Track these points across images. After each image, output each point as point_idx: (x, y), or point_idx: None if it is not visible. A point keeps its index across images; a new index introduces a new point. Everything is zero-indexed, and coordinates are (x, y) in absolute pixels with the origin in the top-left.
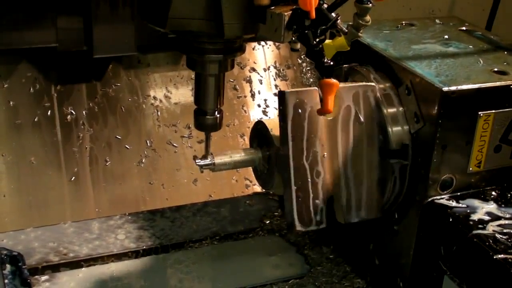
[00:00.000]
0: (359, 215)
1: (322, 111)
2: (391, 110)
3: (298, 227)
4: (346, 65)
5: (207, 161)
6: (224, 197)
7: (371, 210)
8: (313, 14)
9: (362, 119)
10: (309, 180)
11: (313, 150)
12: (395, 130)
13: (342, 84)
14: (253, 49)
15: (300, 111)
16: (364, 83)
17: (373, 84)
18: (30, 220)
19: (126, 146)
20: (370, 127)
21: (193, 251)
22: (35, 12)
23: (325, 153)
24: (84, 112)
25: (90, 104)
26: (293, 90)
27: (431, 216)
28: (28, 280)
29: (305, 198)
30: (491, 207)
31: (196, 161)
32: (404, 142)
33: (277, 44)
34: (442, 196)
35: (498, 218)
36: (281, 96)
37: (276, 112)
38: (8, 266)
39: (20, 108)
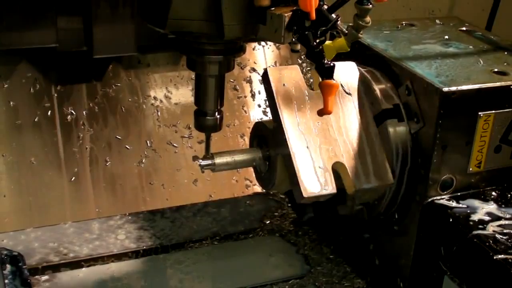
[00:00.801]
0: (369, 182)
1: (323, 112)
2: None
3: (306, 193)
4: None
5: (208, 161)
6: (224, 197)
7: (380, 176)
8: (314, 15)
9: (348, 91)
10: (307, 146)
11: (305, 119)
12: (383, 91)
13: None
14: (253, 49)
15: (285, 85)
16: (342, 62)
17: (351, 62)
18: (30, 220)
19: (126, 146)
20: (358, 97)
21: (193, 251)
22: (35, 12)
23: (319, 122)
24: (84, 112)
25: (90, 104)
26: (275, 67)
27: (431, 217)
28: (28, 280)
29: (307, 164)
30: (491, 207)
31: (197, 161)
32: (395, 102)
33: (277, 44)
34: (442, 197)
35: (498, 218)
36: (265, 74)
37: None
38: (8, 266)
39: (20, 108)
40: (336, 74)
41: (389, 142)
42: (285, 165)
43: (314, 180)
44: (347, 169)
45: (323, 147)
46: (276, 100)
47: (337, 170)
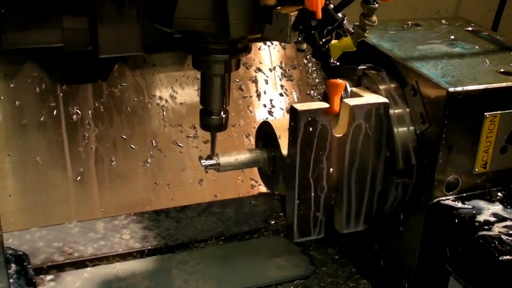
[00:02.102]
0: (357, 226)
1: (329, 112)
2: (397, 111)
3: (297, 238)
4: (361, 67)
5: (212, 162)
6: (229, 198)
7: (368, 222)
8: (320, 15)
9: (371, 134)
10: (312, 194)
11: (320, 166)
12: (403, 148)
13: (356, 102)
14: (259, 49)
15: (311, 129)
16: (378, 101)
17: (386, 101)
18: (36, 219)
19: (132, 146)
20: (378, 141)
21: (198, 251)
22: (40, 12)
23: (331, 169)
24: (89, 112)
25: (96, 104)
26: (306, 108)
27: (437, 217)
28: (33, 280)
29: (306, 211)
30: (497, 208)
31: (201, 161)
32: (411, 162)
33: (283, 44)
34: (448, 197)
35: (504, 219)
36: (294, 113)
37: (282, 112)
38: (13, 265)
39: (26, 108)
40: (367, 115)
41: (395, 142)
42: (286, 196)
43: (307, 227)
44: (342, 215)
45: (329, 193)
46: (298, 145)
47: (333, 212)
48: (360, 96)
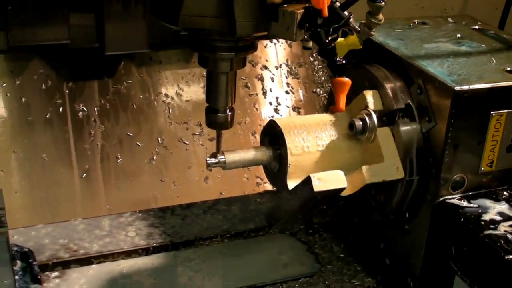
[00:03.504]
0: None
1: (335, 110)
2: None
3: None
4: (397, 108)
5: (218, 160)
6: (235, 195)
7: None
8: (326, 13)
9: (373, 192)
10: None
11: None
12: (399, 199)
13: (373, 177)
14: (265, 46)
15: (319, 196)
16: (394, 177)
17: (402, 177)
18: (41, 216)
19: (138, 143)
20: (377, 194)
21: (203, 249)
22: (47, 9)
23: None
24: (95, 109)
25: (102, 101)
26: (322, 190)
27: (442, 216)
28: (39, 277)
29: None
30: (503, 207)
31: (207, 159)
32: (402, 209)
33: (289, 42)
34: (454, 196)
35: (510, 218)
36: (309, 187)
37: (287, 110)
38: (18, 262)
39: (32, 104)
40: (377, 185)
41: (401, 140)
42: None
43: None
44: None
45: None
46: (303, 200)
47: None
48: (379, 150)
